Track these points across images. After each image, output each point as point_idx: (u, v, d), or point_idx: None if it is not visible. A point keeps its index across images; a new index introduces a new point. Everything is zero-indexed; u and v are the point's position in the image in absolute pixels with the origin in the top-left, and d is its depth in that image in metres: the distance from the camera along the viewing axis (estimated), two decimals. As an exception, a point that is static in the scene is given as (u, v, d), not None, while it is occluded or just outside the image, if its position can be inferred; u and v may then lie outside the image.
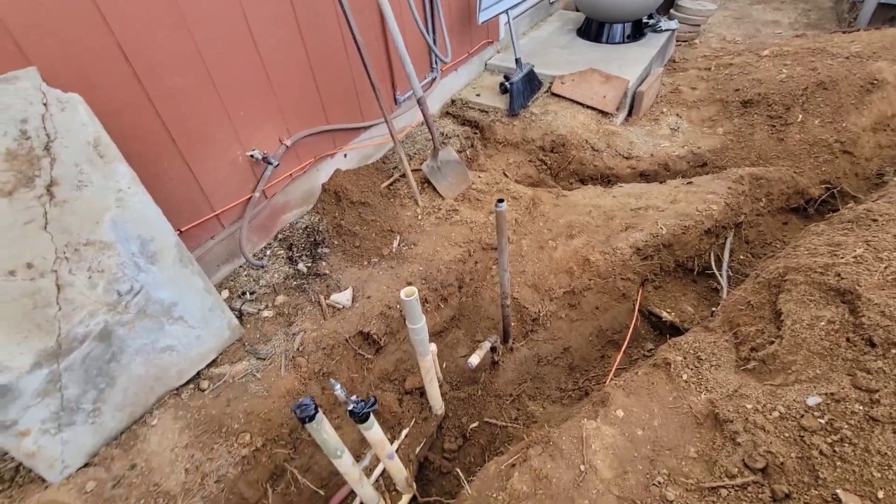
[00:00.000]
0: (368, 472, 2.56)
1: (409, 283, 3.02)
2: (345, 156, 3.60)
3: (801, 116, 4.23)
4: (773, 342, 2.08)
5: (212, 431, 2.20)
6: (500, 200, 2.24)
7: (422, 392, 3.02)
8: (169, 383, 2.38)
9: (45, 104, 1.76)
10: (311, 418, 1.81)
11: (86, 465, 2.11)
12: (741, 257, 3.58)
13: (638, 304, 3.27)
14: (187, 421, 2.25)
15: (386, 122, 3.14)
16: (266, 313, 2.78)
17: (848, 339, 1.86)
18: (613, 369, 2.92)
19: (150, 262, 2.18)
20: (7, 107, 1.66)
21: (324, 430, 1.91)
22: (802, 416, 1.80)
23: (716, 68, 5.18)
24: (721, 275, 3.25)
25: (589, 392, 3.00)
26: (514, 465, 2.14)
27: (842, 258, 2.09)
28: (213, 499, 2.02)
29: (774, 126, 4.26)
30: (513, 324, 3.13)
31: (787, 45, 5.21)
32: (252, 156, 2.79)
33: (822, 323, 1.95)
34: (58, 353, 1.96)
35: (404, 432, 2.81)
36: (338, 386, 1.95)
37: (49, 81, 1.78)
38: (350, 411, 1.99)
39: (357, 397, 2.00)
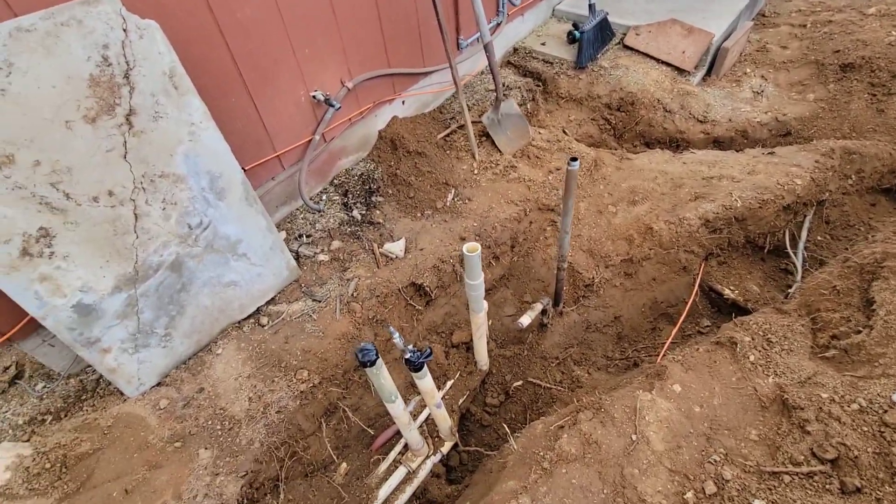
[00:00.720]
0: (413, 417, 2.64)
1: (463, 239, 2.97)
2: (403, 102, 3.49)
3: (908, 86, 3.75)
4: (859, 332, 1.93)
5: (272, 365, 2.30)
6: (574, 159, 2.11)
7: (468, 347, 3.04)
8: (232, 316, 2.48)
9: (124, 30, 1.73)
10: (373, 363, 1.85)
11: (158, 385, 2.27)
12: (818, 238, 3.32)
13: (699, 278, 3.12)
14: (249, 353, 2.36)
15: (450, 67, 2.99)
16: (322, 257, 2.82)
17: (953, 337, 1.70)
18: (668, 343, 2.84)
19: (218, 198, 2.21)
20: (90, 31, 1.65)
21: (382, 376, 1.95)
22: (886, 411, 1.69)
23: (812, 25, 4.63)
24: (796, 255, 3.03)
25: (638, 363, 2.94)
26: (562, 427, 2.15)
27: (957, 247, 1.88)
28: (275, 427, 2.14)
29: (875, 95, 3.81)
30: (565, 288, 3.06)
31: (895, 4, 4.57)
32: (314, 97, 2.73)
33: (924, 316, 1.78)
34: (135, 279, 2.05)
35: (449, 383, 2.87)
36: (396, 334, 1.97)
37: (126, 6, 1.75)
38: (406, 360, 2.02)
39: (413, 346, 2.03)
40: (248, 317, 2.55)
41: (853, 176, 3.37)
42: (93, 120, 1.74)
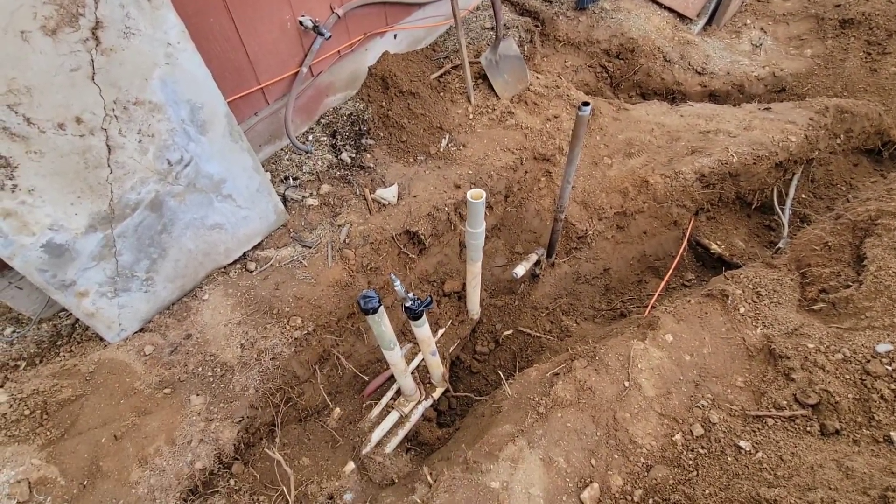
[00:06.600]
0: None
1: (458, 186, 2.87)
2: (395, 37, 3.24)
3: (903, 45, 3.75)
4: (848, 286, 2.00)
5: (263, 312, 2.22)
6: (586, 104, 2.01)
7: (459, 296, 3.03)
8: (217, 260, 2.35)
9: (85, -78, 1.47)
10: (375, 311, 1.79)
11: (141, 331, 2.16)
12: (803, 196, 3.39)
13: (689, 233, 3.15)
14: (238, 299, 2.26)
15: (450, -2, 2.75)
16: (311, 201, 2.68)
17: (939, 292, 1.78)
18: (656, 295, 2.90)
19: (199, 132, 2.02)
20: (44, -81, 1.39)
21: (383, 323, 1.91)
22: (868, 361, 1.78)
23: (815, -24, 4.51)
24: (783, 212, 3.09)
25: (625, 314, 3.00)
26: (557, 374, 2.19)
27: (950, 207, 1.93)
28: (269, 374, 2.09)
29: (870, 54, 3.80)
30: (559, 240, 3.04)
31: (902, -44, 4.47)
32: (302, 22, 2.48)
33: (913, 272, 1.85)
34: (111, 219, 1.88)
35: (441, 331, 2.87)
36: (398, 282, 1.91)
37: None
38: (407, 307, 1.97)
39: (414, 295, 1.98)
40: (235, 262, 2.43)
41: (842, 135, 3.41)
42: (53, 32, 1.51)
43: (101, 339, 2.12)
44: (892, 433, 1.64)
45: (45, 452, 1.81)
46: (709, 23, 4.16)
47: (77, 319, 2.23)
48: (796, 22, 4.14)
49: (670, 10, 3.94)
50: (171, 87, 1.85)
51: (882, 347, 1.78)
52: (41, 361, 2.12)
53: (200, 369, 2.04)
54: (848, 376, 1.80)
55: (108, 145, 1.77)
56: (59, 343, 2.20)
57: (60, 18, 1.51)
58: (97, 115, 1.70)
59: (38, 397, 1.90)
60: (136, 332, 2.16)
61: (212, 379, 2.02)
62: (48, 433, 1.85)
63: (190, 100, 1.93)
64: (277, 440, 2.14)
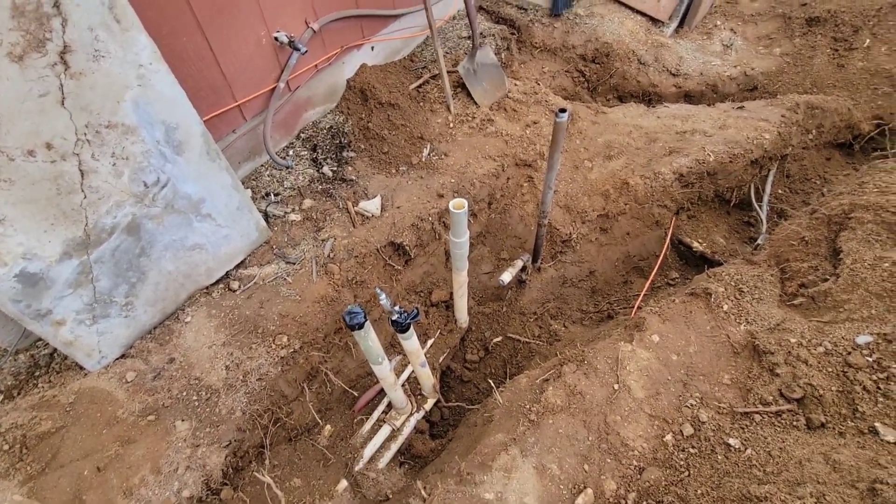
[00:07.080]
0: (395, 376, 2.62)
1: (441, 196, 2.88)
2: (372, 48, 3.24)
3: (868, 41, 3.86)
4: (826, 280, 2.04)
5: (248, 331, 2.19)
6: (563, 110, 2.03)
7: (447, 305, 3.02)
8: (199, 281, 2.32)
9: (48, -54, 1.45)
10: (361, 326, 1.78)
11: (122, 357, 2.11)
12: (779, 192, 3.46)
13: (671, 232, 3.19)
14: (221, 319, 2.22)
15: (425, 9, 2.77)
16: (293, 217, 2.65)
17: (912, 282, 1.82)
18: (642, 296, 2.92)
19: (175, 153, 1.99)
20: (5, -55, 1.36)
21: (370, 338, 1.89)
22: (850, 353, 1.81)
23: (779, -23, 4.63)
24: (761, 208, 3.15)
25: (612, 315, 3.03)
26: (547, 381, 2.19)
27: (919, 199, 1.99)
28: (256, 395, 2.05)
29: (837, 50, 3.91)
30: (543, 244, 3.05)
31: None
32: (277, 38, 2.47)
33: (887, 264, 1.89)
34: (87, 244, 1.84)
35: (430, 342, 2.86)
36: (383, 295, 1.90)
37: (49, -83, 1.46)
38: (393, 321, 1.96)
39: (400, 307, 1.97)
40: (217, 282, 2.39)
41: (814, 131, 3.49)
42: (20, 58, 1.48)
43: (81, 368, 2.07)
44: (877, 424, 1.66)
45: (27, 488, 1.75)
46: (680, 25, 4.24)
47: (55, 349, 2.18)
48: (764, 22, 4.25)
49: (642, 14, 4.02)
50: (145, 109, 1.82)
51: (862, 339, 1.82)
52: (19, 394, 2.06)
53: (185, 394, 2.00)
54: (830, 369, 1.83)
55: (80, 170, 1.73)
56: (37, 374, 2.13)
57: (27, 44, 1.49)
58: (68, 140, 1.67)
59: (17, 431, 1.85)
60: (116, 359, 2.11)
61: (197, 403, 1.98)
62: (28, 468, 1.79)
63: (164, 121, 1.90)
64: (267, 462, 2.10)
